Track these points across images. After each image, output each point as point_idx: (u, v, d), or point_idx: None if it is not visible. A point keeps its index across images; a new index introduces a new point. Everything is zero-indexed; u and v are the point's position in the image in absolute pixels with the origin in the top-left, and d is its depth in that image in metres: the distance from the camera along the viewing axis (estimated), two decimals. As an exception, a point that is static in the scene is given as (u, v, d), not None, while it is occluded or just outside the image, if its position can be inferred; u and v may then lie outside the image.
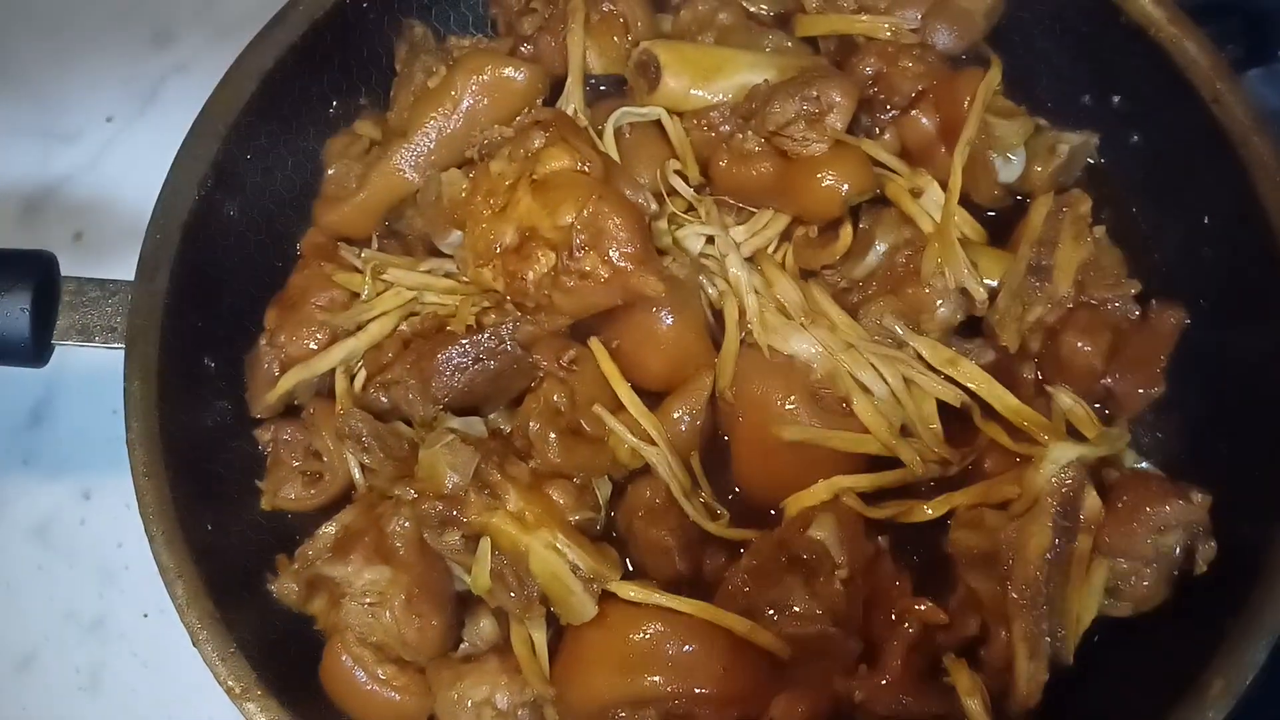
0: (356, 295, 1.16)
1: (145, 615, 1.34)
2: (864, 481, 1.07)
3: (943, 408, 1.08)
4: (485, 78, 1.17)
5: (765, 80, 1.14)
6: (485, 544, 1.00)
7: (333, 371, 1.14)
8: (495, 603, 1.02)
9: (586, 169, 1.04)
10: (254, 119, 1.18)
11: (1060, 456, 0.99)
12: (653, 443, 1.05)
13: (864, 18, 1.21)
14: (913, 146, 1.18)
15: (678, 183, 1.14)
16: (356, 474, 1.12)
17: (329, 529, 1.07)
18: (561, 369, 1.06)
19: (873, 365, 1.06)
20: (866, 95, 1.17)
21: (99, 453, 1.39)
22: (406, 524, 1.03)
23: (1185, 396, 1.11)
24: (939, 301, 1.10)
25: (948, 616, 1.00)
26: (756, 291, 1.10)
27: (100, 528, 1.38)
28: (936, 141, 1.16)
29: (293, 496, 1.14)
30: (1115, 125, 1.21)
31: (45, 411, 1.44)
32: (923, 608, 1.00)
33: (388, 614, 1.02)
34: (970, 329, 1.13)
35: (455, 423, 1.05)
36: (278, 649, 1.04)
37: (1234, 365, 1.09)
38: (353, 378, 1.15)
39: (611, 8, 1.22)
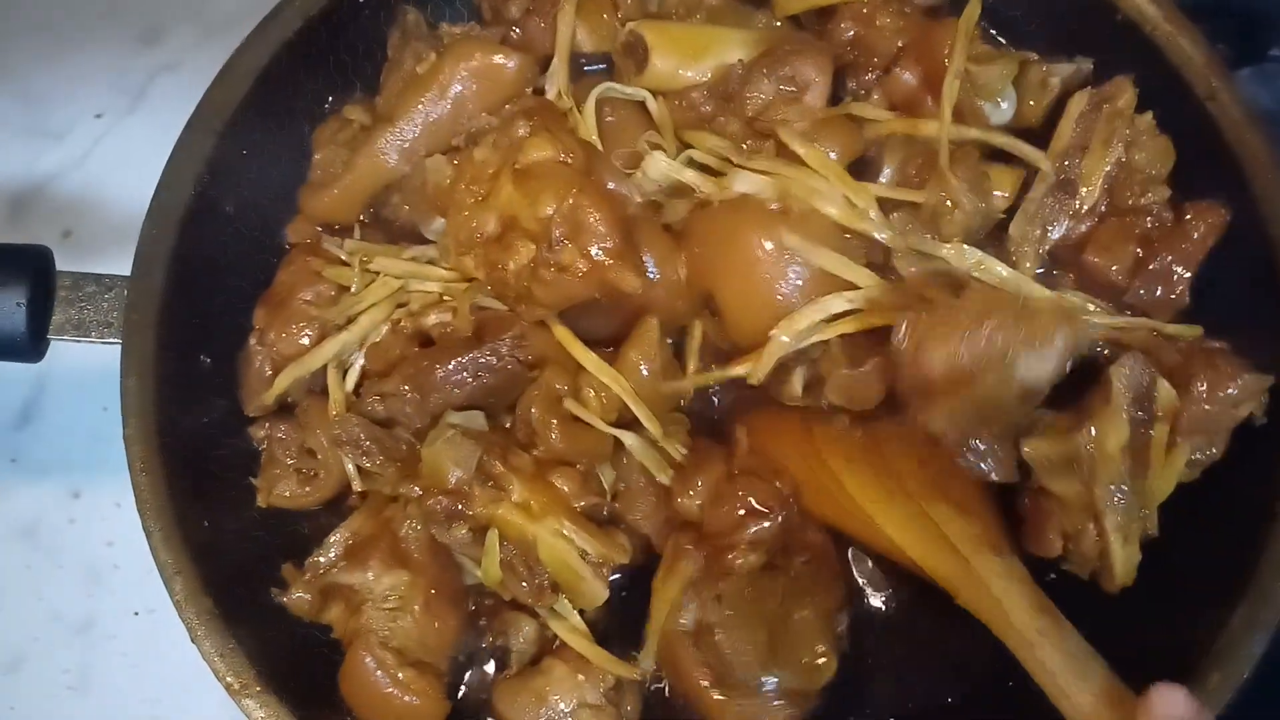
0: (345, 289, 1.14)
1: (135, 614, 1.33)
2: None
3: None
4: (474, 64, 1.16)
5: (740, 60, 1.13)
6: (493, 536, 1.00)
7: (325, 368, 1.13)
8: (508, 594, 1.02)
9: (569, 160, 1.03)
10: (250, 115, 1.17)
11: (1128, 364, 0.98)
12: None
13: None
14: (899, 102, 1.17)
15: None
16: (351, 471, 1.11)
17: (337, 536, 1.06)
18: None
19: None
20: (848, 60, 1.17)
21: (88, 452, 1.39)
22: (418, 526, 1.02)
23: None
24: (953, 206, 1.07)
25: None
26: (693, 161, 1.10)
27: (89, 527, 1.37)
28: (921, 93, 1.15)
29: (288, 494, 1.13)
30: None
31: (34, 411, 1.43)
32: None
33: (409, 617, 1.02)
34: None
35: (456, 418, 1.05)
36: (275, 645, 1.04)
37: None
38: (345, 372, 1.13)
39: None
